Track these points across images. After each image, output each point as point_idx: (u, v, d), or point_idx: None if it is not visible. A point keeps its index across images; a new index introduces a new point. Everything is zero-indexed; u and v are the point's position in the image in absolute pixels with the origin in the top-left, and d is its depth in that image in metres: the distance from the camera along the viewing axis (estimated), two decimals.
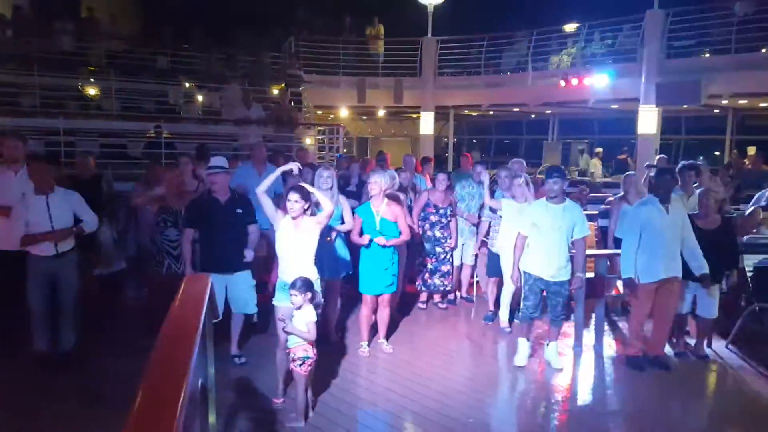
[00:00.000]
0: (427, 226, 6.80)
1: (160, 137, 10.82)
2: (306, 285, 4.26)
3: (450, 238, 6.82)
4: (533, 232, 5.22)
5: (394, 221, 5.51)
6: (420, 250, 6.86)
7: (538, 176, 10.63)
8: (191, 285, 3.54)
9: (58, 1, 14.56)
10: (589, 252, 6.27)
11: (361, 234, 5.45)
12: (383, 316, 5.69)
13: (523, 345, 5.44)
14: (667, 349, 5.71)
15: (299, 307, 4.25)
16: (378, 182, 5.45)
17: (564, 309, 5.35)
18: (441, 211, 6.78)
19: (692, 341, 5.85)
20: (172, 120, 11.97)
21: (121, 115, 11.90)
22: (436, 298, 7.18)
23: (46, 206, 4.97)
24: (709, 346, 5.86)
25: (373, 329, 5.81)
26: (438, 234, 6.79)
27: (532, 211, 5.33)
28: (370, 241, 5.36)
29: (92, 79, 13.05)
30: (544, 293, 5.33)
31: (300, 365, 4.27)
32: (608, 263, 6.17)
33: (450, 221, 6.82)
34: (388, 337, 5.83)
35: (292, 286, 4.25)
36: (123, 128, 11.39)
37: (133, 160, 10.27)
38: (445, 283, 6.91)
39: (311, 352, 4.31)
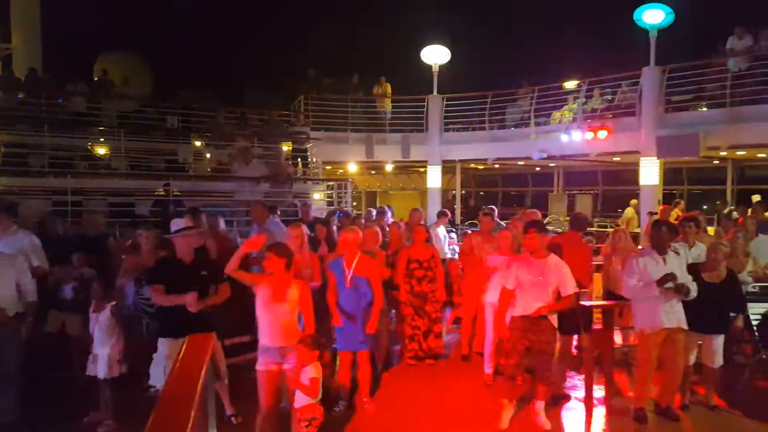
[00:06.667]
0: (414, 281, 6.73)
1: (168, 195, 10.98)
2: (314, 342, 4.29)
3: (437, 291, 6.78)
4: (517, 287, 5.18)
5: (366, 278, 5.40)
6: (414, 310, 6.77)
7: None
8: (193, 346, 3.58)
9: (72, 64, 15.04)
10: (596, 303, 6.29)
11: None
12: (364, 374, 5.55)
13: (506, 405, 5.28)
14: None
15: (305, 365, 4.27)
16: (347, 240, 5.40)
17: (550, 367, 5.21)
18: (425, 264, 6.75)
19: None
20: (180, 178, 12.15)
21: (129, 174, 12.11)
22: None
23: None
24: (719, 395, 5.79)
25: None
26: (426, 288, 6.74)
27: (515, 265, 5.29)
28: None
29: (102, 139, 13.34)
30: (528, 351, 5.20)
31: (307, 426, 4.24)
32: (620, 315, 6.16)
33: (436, 273, 6.79)
34: (372, 394, 5.72)
35: (301, 341, 4.28)
36: (131, 187, 11.56)
37: (141, 219, 10.40)
38: (439, 345, 6.86)
39: (318, 413, 4.28)
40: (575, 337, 6.23)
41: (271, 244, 4.63)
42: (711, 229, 10.66)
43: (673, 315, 5.22)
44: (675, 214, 11.56)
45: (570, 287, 5.14)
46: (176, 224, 5.18)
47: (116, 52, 18.37)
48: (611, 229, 14.60)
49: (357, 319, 5.38)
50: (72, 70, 14.61)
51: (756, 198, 12.48)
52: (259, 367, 4.48)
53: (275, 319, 4.43)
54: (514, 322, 5.19)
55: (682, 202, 13.24)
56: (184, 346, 3.47)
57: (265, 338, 4.45)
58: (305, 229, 6.22)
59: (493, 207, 8.14)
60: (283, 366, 4.43)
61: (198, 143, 14.10)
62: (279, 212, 8.87)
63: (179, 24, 23.04)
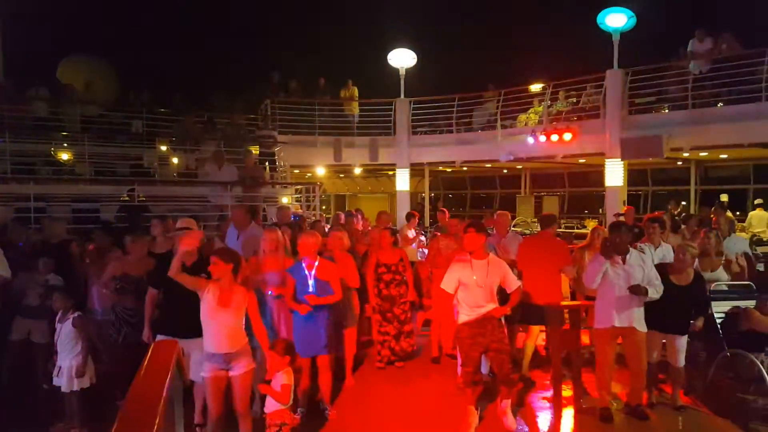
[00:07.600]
0: (382, 285, 6.73)
1: (134, 201, 10.81)
2: (286, 348, 4.27)
3: (405, 293, 6.79)
4: (460, 289, 5.18)
5: (328, 281, 5.33)
6: (382, 315, 6.77)
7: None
8: (158, 352, 3.52)
9: (33, 69, 14.70)
10: (564, 303, 6.36)
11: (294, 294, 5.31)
12: (325, 379, 5.47)
13: (471, 412, 5.24)
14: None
15: (277, 371, 4.24)
16: (307, 244, 5.32)
17: (514, 366, 5.22)
18: (393, 268, 6.75)
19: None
20: (146, 183, 11.97)
21: (93, 180, 11.89)
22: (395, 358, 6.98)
23: None
24: (686, 394, 5.92)
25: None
26: (394, 292, 6.74)
27: (456, 267, 5.29)
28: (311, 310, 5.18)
29: (65, 144, 13.07)
30: (485, 355, 5.21)
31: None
32: (584, 314, 6.23)
33: (405, 276, 6.81)
34: (332, 401, 5.65)
35: (272, 347, 4.24)
36: (96, 192, 11.32)
37: (107, 224, 10.19)
38: (411, 343, 6.88)
39: (288, 419, 4.25)
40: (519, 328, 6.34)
41: (216, 249, 4.59)
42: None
43: (628, 314, 5.28)
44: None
45: (514, 283, 5.23)
46: (182, 223, 5.19)
47: (79, 57, 17.98)
48: (578, 230, 15.10)
49: (318, 324, 5.28)
50: (34, 75, 14.19)
51: (724, 197, 12.83)
52: (205, 373, 4.41)
53: (220, 325, 4.36)
54: (461, 331, 5.17)
55: (674, 202, 13.23)
56: (149, 352, 3.41)
57: (210, 345, 4.39)
58: (280, 233, 6.18)
59: (445, 209, 8.19)
60: (229, 372, 4.39)
61: (164, 148, 13.91)
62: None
63: (144, 28, 22.70)
